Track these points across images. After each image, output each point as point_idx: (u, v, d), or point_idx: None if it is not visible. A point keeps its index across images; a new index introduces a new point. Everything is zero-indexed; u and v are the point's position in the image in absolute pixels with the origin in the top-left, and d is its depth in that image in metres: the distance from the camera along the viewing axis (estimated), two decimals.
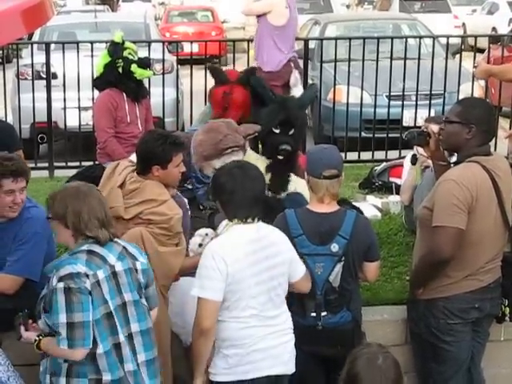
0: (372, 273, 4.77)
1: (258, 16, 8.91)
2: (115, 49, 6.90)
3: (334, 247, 4.54)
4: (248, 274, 4.13)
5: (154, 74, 8.12)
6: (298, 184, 5.77)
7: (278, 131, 5.92)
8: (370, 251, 4.68)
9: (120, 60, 6.84)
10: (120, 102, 6.83)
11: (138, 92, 6.92)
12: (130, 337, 3.98)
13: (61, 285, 3.78)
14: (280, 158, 5.87)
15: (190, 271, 4.93)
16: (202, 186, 5.94)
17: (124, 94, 6.86)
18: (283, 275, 4.28)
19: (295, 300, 4.55)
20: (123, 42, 6.94)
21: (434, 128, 4.95)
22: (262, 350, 4.22)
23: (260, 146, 6.19)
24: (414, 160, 5.77)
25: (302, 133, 6.40)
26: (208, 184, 6.10)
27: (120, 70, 6.85)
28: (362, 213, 5.12)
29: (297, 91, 8.29)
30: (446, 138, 4.71)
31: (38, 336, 4.00)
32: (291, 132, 5.96)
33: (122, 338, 3.94)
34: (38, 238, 4.81)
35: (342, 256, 4.55)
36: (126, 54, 6.89)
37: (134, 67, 6.84)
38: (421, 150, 5.34)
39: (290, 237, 4.53)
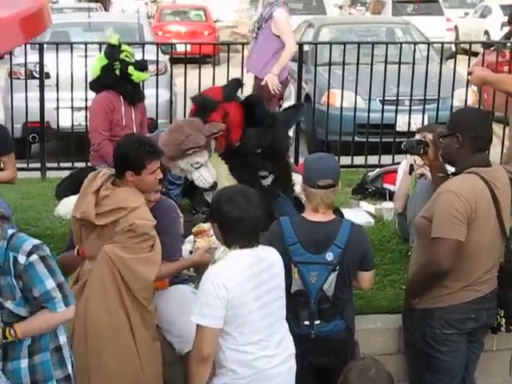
0: (367, 282, 4.77)
1: (259, 28, 8.59)
2: (112, 51, 6.87)
3: (329, 256, 4.52)
4: (250, 298, 4.08)
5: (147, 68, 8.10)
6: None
7: (259, 151, 5.96)
8: (365, 260, 4.67)
9: (117, 62, 6.82)
10: (116, 104, 6.81)
11: (134, 95, 6.90)
12: None
13: (34, 256, 3.88)
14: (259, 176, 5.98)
15: (175, 275, 4.94)
16: (175, 187, 5.93)
17: (121, 97, 6.84)
18: (282, 297, 4.26)
19: (290, 309, 4.50)
20: (120, 45, 6.91)
21: (430, 136, 4.94)
22: (269, 378, 4.19)
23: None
24: (412, 170, 5.76)
25: (285, 155, 6.40)
26: (180, 185, 6.13)
27: (117, 72, 6.83)
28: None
29: (288, 104, 8.27)
30: (443, 153, 4.72)
31: (4, 327, 3.96)
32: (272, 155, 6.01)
33: None
34: None
35: (336, 265, 4.53)
36: (122, 56, 6.87)
37: (131, 69, 6.83)
38: (418, 158, 5.33)
39: (285, 245, 4.52)
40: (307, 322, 4.58)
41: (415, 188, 5.73)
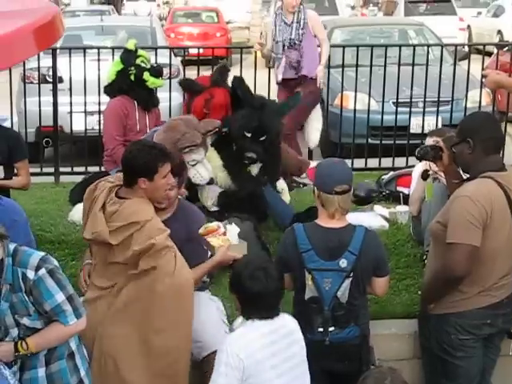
0: (381, 288, 4.75)
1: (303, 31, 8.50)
2: (128, 56, 6.87)
3: (343, 263, 4.50)
4: (267, 367, 4.06)
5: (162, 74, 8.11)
6: None
7: (249, 135, 5.97)
8: (379, 266, 4.65)
9: (132, 68, 6.82)
10: (131, 109, 6.81)
11: (149, 100, 6.90)
12: None
13: (42, 271, 3.90)
14: (246, 163, 6.02)
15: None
16: None
17: (135, 102, 6.84)
18: (303, 363, 4.24)
19: (303, 315, 4.52)
20: (136, 50, 6.91)
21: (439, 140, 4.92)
22: None
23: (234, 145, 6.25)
24: (426, 175, 5.73)
25: (275, 141, 6.35)
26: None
27: (132, 77, 6.82)
28: None
29: None
30: (457, 162, 4.71)
31: (17, 341, 3.98)
32: (262, 138, 5.99)
33: None
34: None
35: (350, 272, 4.51)
36: (138, 61, 6.87)
37: (146, 75, 6.82)
38: (433, 165, 5.30)
39: (299, 252, 4.51)
40: (321, 329, 4.55)
41: (432, 193, 5.68)
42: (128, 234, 4.45)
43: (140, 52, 6.96)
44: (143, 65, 6.88)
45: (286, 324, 4.24)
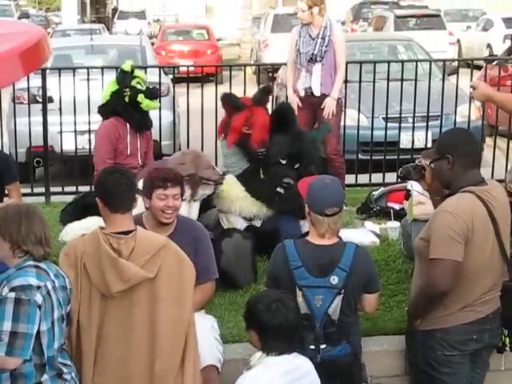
0: (371, 305, 4.76)
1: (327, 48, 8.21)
2: (123, 77, 6.85)
3: (334, 279, 4.50)
4: None
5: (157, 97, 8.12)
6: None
7: (284, 162, 5.94)
8: (370, 283, 4.66)
9: (127, 89, 6.78)
10: (122, 132, 6.78)
11: (142, 123, 6.86)
12: (57, 349, 4.09)
13: (12, 295, 3.86)
14: (281, 190, 5.91)
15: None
16: None
17: (127, 125, 6.81)
18: None
19: None
20: (132, 71, 6.90)
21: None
22: None
23: (261, 172, 6.22)
24: (408, 195, 5.75)
25: (309, 168, 6.33)
26: None
27: (127, 99, 6.80)
28: None
29: None
30: (437, 178, 4.73)
31: None
32: (297, 166, 5.98)
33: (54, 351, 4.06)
34: None
35: (341, 289, 4.51)
36: (134, 83, 6.83)
37: (140, 97, 6.79)
38: (415, 184, 5.32)
39: (289, 268, 4.51)
40: (313, 346, 4.54)
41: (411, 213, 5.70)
42: (159, 263, 4.29)
43: (136, 73, 6.94)
44: (139, 86, 6.85)
45: (303, 364, 4.25)
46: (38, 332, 3.93)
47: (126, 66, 6.95)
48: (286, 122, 6.19)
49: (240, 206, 6.23)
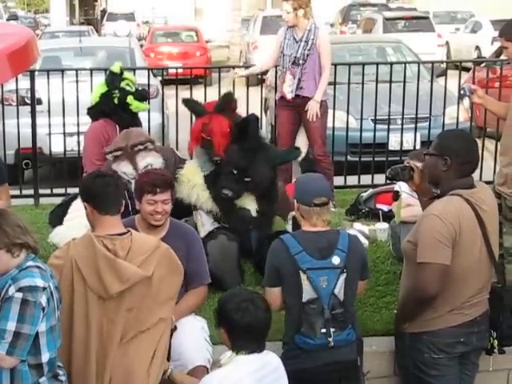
0: (361, 290, 4.98)
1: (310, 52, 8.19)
2: (113, 79, 6.85)
3: (336, 259, 4.62)
4: None
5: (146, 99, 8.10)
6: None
7: (235, 172, 5.99)
8: (363, 269, 4.81)
9: (117, 91, 6.78)
10: (112, 134, 6.77)
11: (131, 125, 6.86)
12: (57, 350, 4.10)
13: (19, 295, 3.86)
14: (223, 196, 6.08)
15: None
16: None
17: (117, 126, 6.81)
18: None
19: (303, 320, 4.59)
20: (122, 73, 6.89)
21: (418, 165, 4.95)
22: None
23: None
24: (397, 196, 5.77)
25: (259, 186, 6.24)
26: None
27: (116, 100, 6.79)
28: None
29: None
30: (426, 171, 4.74)
31: None
32: (248, 180, 6.02)
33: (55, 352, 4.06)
34: None
35: (343, 268, 4.61)
36: (123, 84, 6.83)
37: (130, 99, 6.79)
38: (403, 186, 5.34)
39: (290, 255, 4.60)
40: (324, 330, 4.58)
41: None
42: (155, 262, 4.33)
43: (126, 75, 6.94)
44: (128, 88, 6.85)
45: (272, 360, 4.27)
46: (37, 333, 3.93)
47: (115, 68, 6.94)
48: (246, 135, 6.18)
49: (198, 193, 6.22)
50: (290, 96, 8.12)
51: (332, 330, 4.58)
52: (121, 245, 4.28)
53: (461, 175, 4.58)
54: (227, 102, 6.43)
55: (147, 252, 4.31)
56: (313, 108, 8.03)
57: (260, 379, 4.13)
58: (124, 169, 6.01)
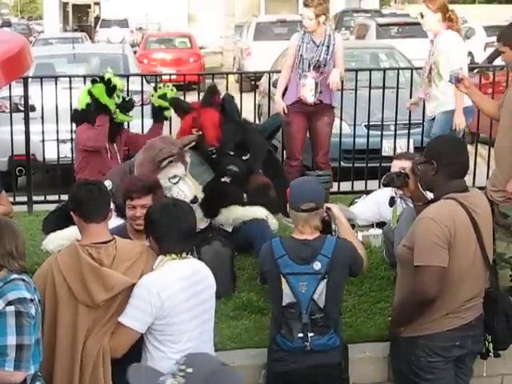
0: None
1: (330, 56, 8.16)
2: None
3: (317, 265, 4.64)
4: (183, 309, 4.21)
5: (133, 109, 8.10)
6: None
7: (232, 153, 5.99)
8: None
9: None
10: None
11: (116, 132, 6.88)
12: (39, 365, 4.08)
13: (11, 308, 3.84)
14: (226, 179, 6.02)
15: None
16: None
17: None
18: (212, 308, 4.44)
19: (283, 323, 4.67)
20: (110, 82, 6.89)
21: (406, 164, 4.98)
22: None
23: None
24: (392, 202, 5.79)
25: (258, 159, 6.34)
26: None
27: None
28: None
29: None
30: (421, 180, 4.79)
31: None
32: (246, 158, 6.01)
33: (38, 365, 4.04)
34: None
35: (325, 274, 4.63)
36: None
37: (116, 112, 6.80)
38: (399, 191, 5.35)
39: (274, 258, 4.68)
40: (301, 334, 4.65)
41: (399, 218, 5.74)
42: (142, 268, 4.35)
43: (114, 81, 6.93)
44: (115, 98, 6.86)
45: (202, 269, 4.43)
46: None
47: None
48: (225, 112, 6.22)
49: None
50: (311, 100, 8.03)
51: (310, 334, 4.64)
52: (106, 253, 4.30)
53: (450, 177, 4.60)
54: (213, 95, 6.47)
55: (132, 259, 4.35)
56: (336, 77, 7.97)
57: (191, 285, 4.26)
58: (178, 171, 5.85)
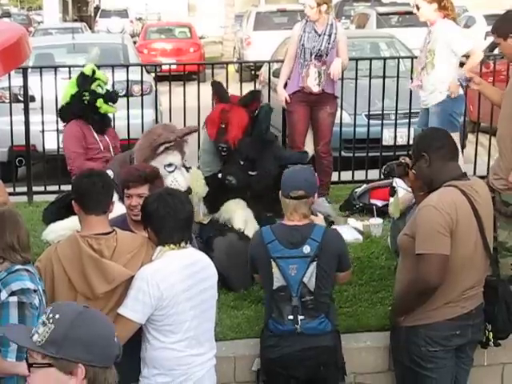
0: (343, 280, 5.07)
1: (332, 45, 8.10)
2: (83, 81, 6.79)
3: (306, 249, 4.69)
4: (183, 298, 4.22)
5: (132, 95, 8.05)
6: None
7: (242, 163, 6.01)
8: (342, 261, 4.83)
9: (87, 93, 6.74)
10: (87, 132, 6.73)
11: (102, 124, 6.84)
12: None
13: (14, 299, 3.85)
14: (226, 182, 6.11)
15: None
16: None
17: (90, 126, 6.78)
18: (213, 297, 4.44)
19: (273, 306, 4.72)
20: (93, 73, 6.85)
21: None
22: (194, 374, 4.34)
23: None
24: (393, 192, 5.77)
25: (261, 183, 6.22)
26: None
27: (86, 102, 6.76)
28: None
29: None
30: (420, 179, 4.76)
31: None
32: (253, 173, 6.07)
33: None
34: None
35: (314, 257, 4.67)
36: (94, 86, 6.77)
37: (99, 102, 6.74)
38: (399, 181, 5.34)
39: (264, 244, 4.74)
40: (291, 317, 4.69)
41: (398, 210, 5.73)
42: (141, 261, 4.34)
43: (97, 74, 6.87)
44: (99, 89, 6.79)
45: (202, 259, 4.45)
46: None
47: (87, 70, 6.86)
48: (256, 121, 6.22)
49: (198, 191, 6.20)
50: (316, 89, 7.98)
51: (301, 317, 4.69)
52: (106, 244, 4.28)
53: (444, 161, 4.60)
54: (253, 100, 6.43)
55: (132, 251, 4.33)
56: (338, 67, 7.94)
57: (190, 275, 4.27)
58: (175, 159, 5.81)
